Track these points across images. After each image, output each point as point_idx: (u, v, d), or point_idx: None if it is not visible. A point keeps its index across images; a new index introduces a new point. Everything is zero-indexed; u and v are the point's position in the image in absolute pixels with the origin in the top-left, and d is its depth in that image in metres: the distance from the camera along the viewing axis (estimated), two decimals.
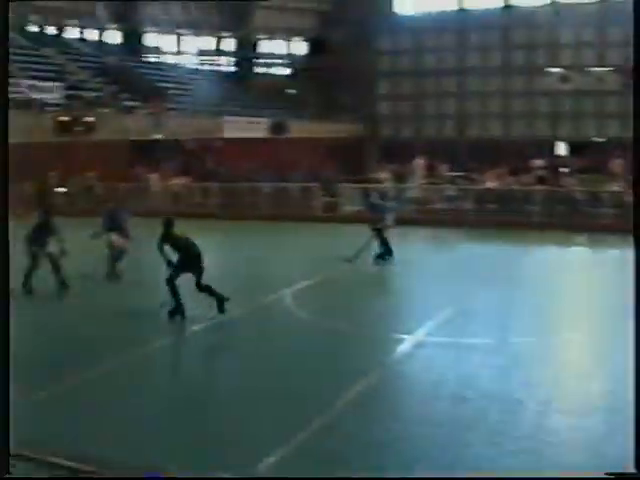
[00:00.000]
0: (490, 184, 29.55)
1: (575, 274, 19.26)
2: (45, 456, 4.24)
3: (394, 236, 20.15)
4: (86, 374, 10.57)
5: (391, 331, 13.21)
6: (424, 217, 28.54)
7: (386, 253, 19.52)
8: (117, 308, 14.84)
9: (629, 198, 26.75)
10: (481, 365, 11.13)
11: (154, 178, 33.18)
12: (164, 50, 58.66)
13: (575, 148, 47.79)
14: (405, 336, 12.62)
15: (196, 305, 13.95)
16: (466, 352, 11.85)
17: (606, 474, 2.79)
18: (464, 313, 14.43)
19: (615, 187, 28.24)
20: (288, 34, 62.07)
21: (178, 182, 33.67)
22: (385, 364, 11.33)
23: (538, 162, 32.27)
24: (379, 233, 19.56)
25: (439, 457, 7.90)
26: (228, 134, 42.46)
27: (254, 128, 45.29)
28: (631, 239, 21.83)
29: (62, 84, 37.77)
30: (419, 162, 34.34)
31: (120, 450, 7.86)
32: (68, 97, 37.26)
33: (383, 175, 32.19)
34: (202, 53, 60.17)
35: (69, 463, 4.09)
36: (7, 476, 3.26)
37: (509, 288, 16.92)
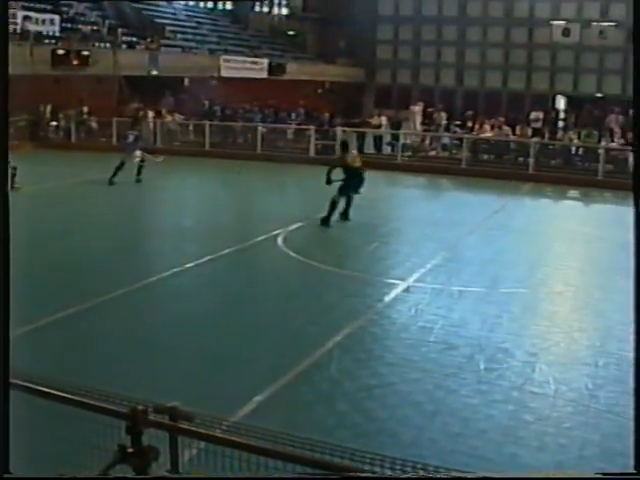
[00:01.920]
0: (486, 134, 29.34)
1: (568, 228, 19.20)
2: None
3: (389, 182, 20.05)
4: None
5: (382, 276, 13.16)
6: (419, 164, 28.40)
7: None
8: None
9: (625, 155, 26.68)
10: (470, 313, 11.12)
11: (149, 114, 32.88)
12: None
13: (573, 103, 47.46)
14: (396, 281, 12.60)
15: (190, 244, 13.89)
16: (456, 299, 11.82)
17: (606, 474, 2.74)
18: (456, 260, 14.42)
19: (611, 143, 28.09)
20: None
21: (173, 119, 33.37)
22: (375, 308, 11.30)
23: (535, 114, 31.97)
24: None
25: (424, 402, 7.89)
26: (225, 73, 41.98)
27: (252, 68, 44.78)
28: (624, 195, 21.88)
29: (59, 17, 37.12)
30: (416, 108, 34.04)
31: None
32: (64, 30, 36.67)
33: (380, 120, 31.91)
34: None
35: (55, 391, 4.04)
36: (7, 476, 3.23)
37: (501, 238, 16.89)
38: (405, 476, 2.71)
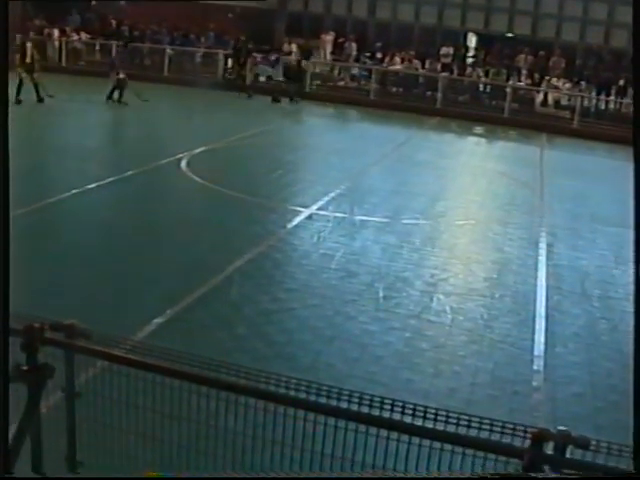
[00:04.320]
0: (396, 66, 29.33)
1: (471, 163, 19.44)
2: None
3: (296, 110, 19.88)
4: None
5: (286, 202, 13.10)
6: (327, 93, 28.28)
7: None
8: None
9: (531, 94, 27.08)
10: (371, 242, 11.18)
11: (54, 33, 31.77)
12: None
13: (484, 41, 47.65)
14: (299, 208, 12.57)
15: (92, 165, 13.55)
16: (358, 228, 11.86)
17: (606, 474, 2.77)
18: (359, 190, 14.46)
19: (519, 83, 28.46)
20: None
21: (79, 38, 32.33)
22: (277, 234, 11.26)
23: (446, 50, 32.02)
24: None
25: (322, 328, 7.93)
26: None
27: None
28: (528, 134, 22.11)
29: None
30: (327, 38, 33.72)
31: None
32: None
33: (290, 48, 31.55)
34: None
35: None
36: (7, 476, 3.11)
37: (405, 170, 17.01)
38: (399, 475, 2.70)
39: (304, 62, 28.94)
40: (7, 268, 3.03)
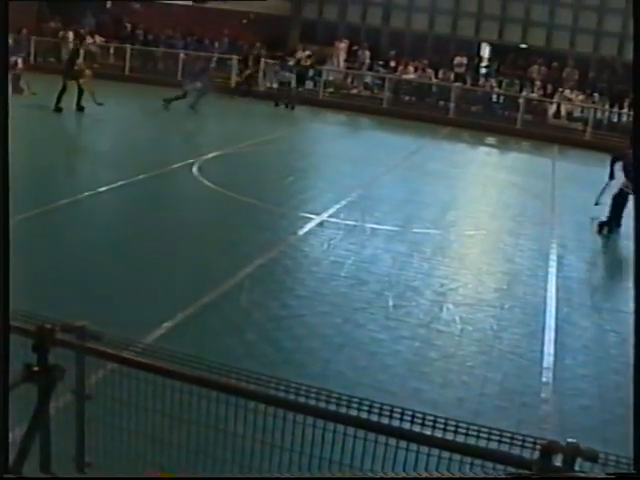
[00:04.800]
0: (409, 75, 29.36)
1: (483, 173, 19.44)
2: None
3: (309, 117, 19.93)
4: None
5: (297, 209, 13.11)
6: (341, 101, 28.32)
7: None
8: None
9: (544, 106, 27.04)
10: (382, 250, 11.18)
11: (69, 35, 31.91)
12: None
13: (498, 51, 47.65)
14: (311, 215, 12.58)
15: (105, 169, 13.59)
16: (369, 236, 11.86)
17: (606, 474, 2.78)
18: (370, 198, 14.47)
19: (532, 94, 28.43)
20: None
21: (93, 41, 32.44)
22: (288, 241, 11.27)
23: (459, 59, 32.05)
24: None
25: (332, 335, 7.93)
26: None
27: None
28: (540, 145, 22.07)
29: None
30: (341, 45, 33.80)
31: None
32: None
33: (303, 55, 31.62)
34: None
35: None
36: (6, 476, 3.14)
37: (417, 179, 17.03)
38: (403, 475, 2.71)
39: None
40: (7, 268, 3.04)
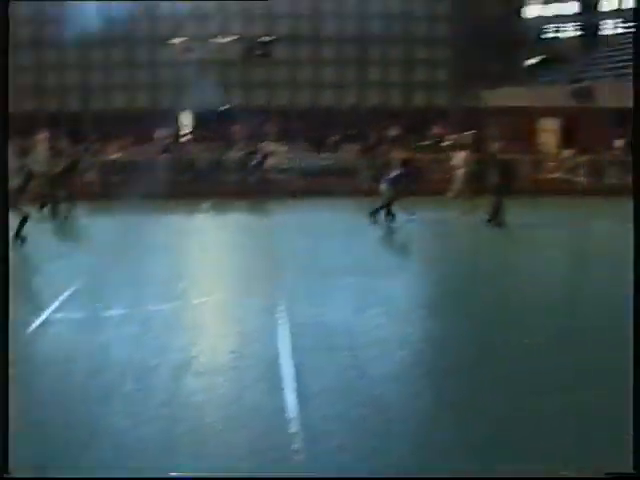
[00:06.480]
0: (114, 155, 29.20)
1: (203, 239, 19.64)
2: None
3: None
4: None
5: (17, 312, 12.44)
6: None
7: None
8: None
9: (249, 162, 27.79)
10: (114, 336, 10.88)
11: None
12: None
13: (200, 117, 48.57)
14: (32, 317, 11.94)
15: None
16: (98, 325, 11.49)
17: (606, 474, 2.81)
18: (95, 286, 14.06)
19: (235, 153, 29.17)
20: None
21: None
22: (12, 349, 10.65)
23: (162, 132, 32.36)
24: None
25: (85, 438, 7.46)
26: None
27: None
28: (258, 203, 22.52)
29: None
30: (42, 136, 33.11)
31: None
32: None
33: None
34: None
35: None
36: (6, 476, 2.74)
37: (139, 258, 16.85)
38: (401, 476, 2.60)
39: None
40: (7, 270, 2.69)
